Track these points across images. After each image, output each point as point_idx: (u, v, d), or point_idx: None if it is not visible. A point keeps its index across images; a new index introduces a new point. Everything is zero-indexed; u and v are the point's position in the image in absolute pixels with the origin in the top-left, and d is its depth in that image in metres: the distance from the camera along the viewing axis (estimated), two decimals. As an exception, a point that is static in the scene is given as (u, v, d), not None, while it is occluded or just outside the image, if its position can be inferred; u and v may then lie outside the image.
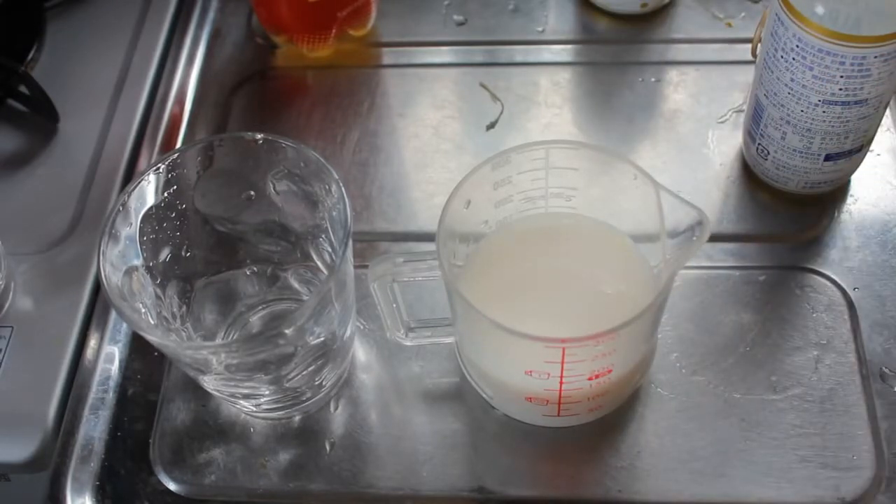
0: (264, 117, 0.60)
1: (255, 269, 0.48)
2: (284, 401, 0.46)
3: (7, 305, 0.51)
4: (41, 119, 0.59)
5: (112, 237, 0.41)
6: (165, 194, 0.44)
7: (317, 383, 0.46)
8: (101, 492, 0.46)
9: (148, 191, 0.43)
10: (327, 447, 0.46)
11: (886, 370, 0.47)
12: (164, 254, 0.45)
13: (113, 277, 0.40)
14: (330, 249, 0.45)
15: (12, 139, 0.59)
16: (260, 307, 0.49)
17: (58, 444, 0.46)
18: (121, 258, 0.42)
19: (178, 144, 0.59)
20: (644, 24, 0.62)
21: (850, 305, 0.49)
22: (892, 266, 0.50)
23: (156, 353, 0.49)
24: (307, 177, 0.44)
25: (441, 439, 0.46)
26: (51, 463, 0.46)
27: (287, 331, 0.40)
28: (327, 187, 0.43)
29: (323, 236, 0.46)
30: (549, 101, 0.59)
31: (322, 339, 0.43)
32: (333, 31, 0.61)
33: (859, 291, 0.49)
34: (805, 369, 0.47)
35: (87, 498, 0.45)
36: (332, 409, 0.48)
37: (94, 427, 0.47)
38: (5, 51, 0.60)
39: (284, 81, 0.63)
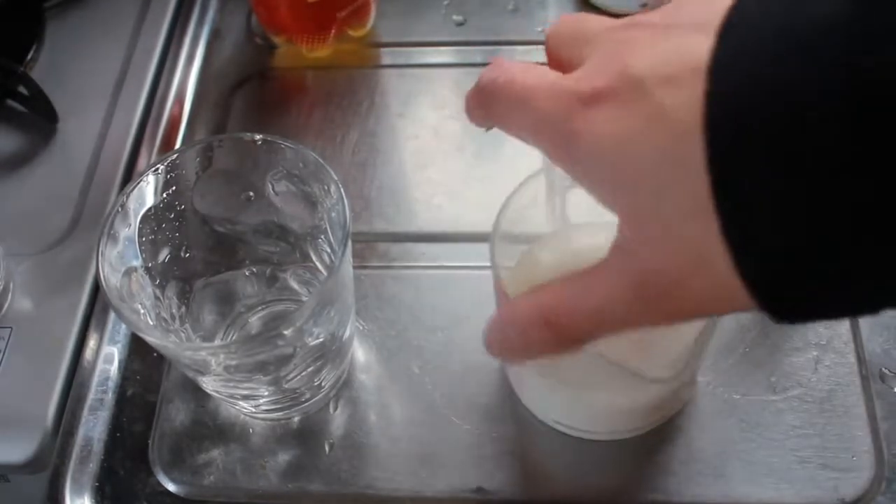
0: (264, 117, 0.60)
1: (254, 269, 0.48)
2: (284, 402, 0.46)
3: (6, 306, 0.51)
4: (40, 119, 0.59)
5: (111, 238, 0.41)
6: (164, 195, 0.44)
7: (316, 384, 0.46)
8: (100, 492, 0.46)
9: (147, 191, 0.43)
10: (326, 448, 0.46)
11: (886, 371, 0.47)
12: (163, 254, 0.45)
13: (112, 278, 0.40)
14: (329, 250, 0.45)
15: (11, 139, 0.59)
16: (259, 308, 0.49)
17: (57, 444, 0.46)
18: (119, 259, 0.42)
19: (178, 145, 0.59)
20: (644, 24, 0.62)
21: (850, 306, 0.49)
22: (891, 266, 0.50)
23: (155, 354, 0.49)
24: (306, 177, 0.44)
25: (440, 440, 0.46)
26: (50, 464, 0.46)
27: (286, 332, 0.40)
28: (326, 188, 0.43)
29: (322, 237, 0.46)
30: (549, 102, 0.59)
31: (321, 339, 0.43)
32: (333, 31, 0.61)
33: (859, 292, 0.49)
34: (805, 370, 0.47)
35: (86, 499, 0.45)
36: (331, 409, 0.48)
37: (93, 428, 0.47)
38: (4, 51, 0.60)
39: (284, 82, 0.63)
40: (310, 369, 0.44)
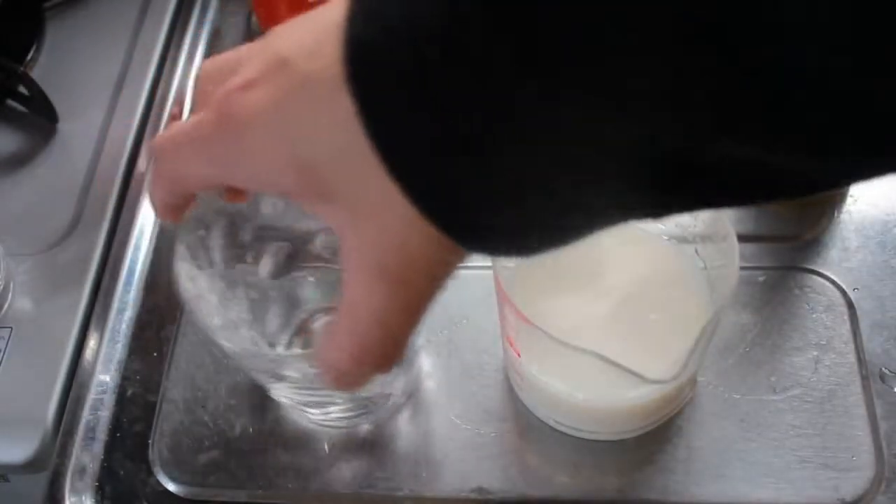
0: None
1: (317, 273, 0.48)
2: (356, 409, 0.46)
3: (6, 306, 0.51)
4: (40, 119, 0.59)
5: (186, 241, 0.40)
6: None
7: (386, 392, 0.46)
8: (100, 492, 0.46)
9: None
10: (326, 448, 0.46)
11: (886, 370, 0.47)
12: (232, 259, 0.44)
13: (187, 282, 0.40)
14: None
15: (12, 139, 0.59)
16: (320, 313, 0.48)
17: (57, 444, 0.46)
18: (193, 262, 0.41)
19: (178, 145, 0.59)
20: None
21: (850, 306, 0.49)
22: (891, 266, 0.50)
23: (155, 354, 0.49)
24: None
25: (440, 440, 0.46)
26: (50, 463, 0.46)
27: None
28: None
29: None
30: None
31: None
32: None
33: (859, 292, 0.49)
34: (805, 370, 0.47)
35: (86, 498, 0.45)
36: (331, 409, 0.48)
37: (93, 428, 0.47)
38: (4, 51, 0.60)
39: (284, 81, 0.63)
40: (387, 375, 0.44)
